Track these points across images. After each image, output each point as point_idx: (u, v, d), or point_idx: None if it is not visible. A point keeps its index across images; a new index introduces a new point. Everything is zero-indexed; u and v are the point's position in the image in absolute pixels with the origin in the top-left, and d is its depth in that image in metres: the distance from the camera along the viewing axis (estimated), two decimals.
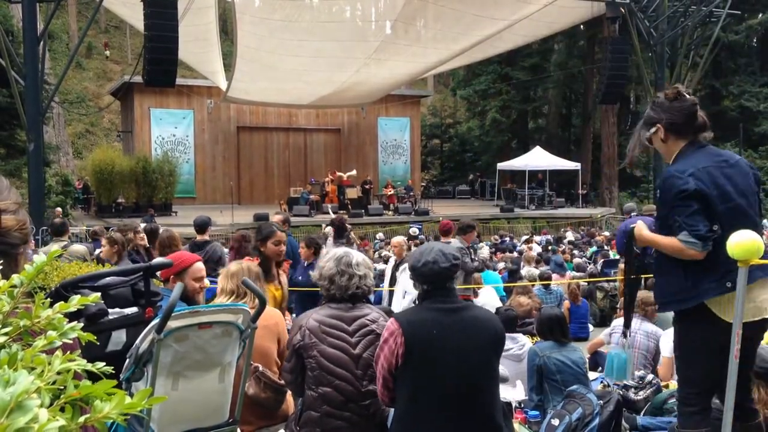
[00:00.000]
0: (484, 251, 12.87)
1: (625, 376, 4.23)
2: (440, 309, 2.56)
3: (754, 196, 2.69)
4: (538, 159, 26.52)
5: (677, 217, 2.56)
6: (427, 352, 2.49)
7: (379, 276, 9.33)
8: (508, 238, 17.24)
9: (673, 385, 4.47)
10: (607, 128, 28.63)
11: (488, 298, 7.42)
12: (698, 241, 2.50)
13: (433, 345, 2.50)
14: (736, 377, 2.42)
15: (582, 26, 26.03)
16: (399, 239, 8.03)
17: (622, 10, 18.88)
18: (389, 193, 24.30)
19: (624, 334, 3.93)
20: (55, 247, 1.35)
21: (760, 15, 29.25)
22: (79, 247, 6.50)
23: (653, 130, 2.75)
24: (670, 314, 5.28)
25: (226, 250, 7.61)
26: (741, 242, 2.29)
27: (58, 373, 0.77)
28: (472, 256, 7.88)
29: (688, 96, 2.72)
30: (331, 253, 3.00)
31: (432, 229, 20.42)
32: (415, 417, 2.52)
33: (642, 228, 2.78)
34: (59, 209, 18.36)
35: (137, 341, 2.27)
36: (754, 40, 32.05)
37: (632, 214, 9.11)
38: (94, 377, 0.85)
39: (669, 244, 2.59)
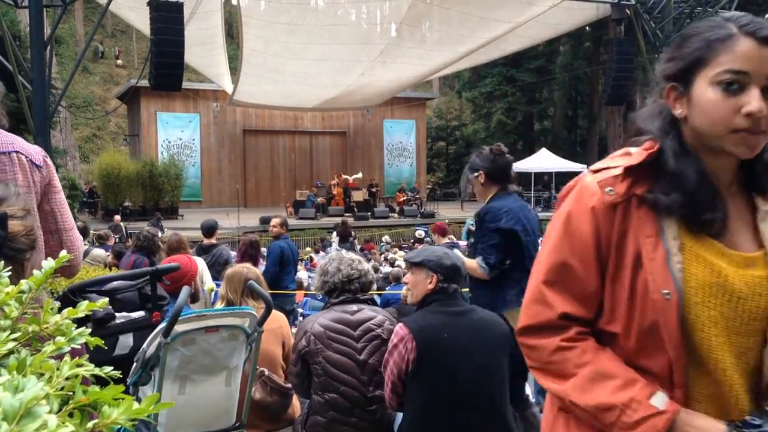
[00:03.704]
0: None
1: None
2: (448, 312, 2.56)
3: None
4: (544, 161, 26.46)
5: (481, 244, 3.34)
6: (439, 356, 2.48)
7: (384, 278, 9.34)
8: None
9: None
10: (614, 130, 28.52)
11: None
12: (486, 267, 3.29)
13: (445, 349, 2.49)
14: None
15: (587, 28, 25.99)
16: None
17: (628, 12, 18.82)
18: (402, 199, 24.19)
19: None
20: (64, 252, 1.36)
21: (766, 16, 29.12)
22: (99, 252, 6.49)
23: (476, 174, 3.48)
24: None
25: (233, 254, 7.63)
26: None
27: (67, 378, 0.77)
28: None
29: (507, 155, 3.50)
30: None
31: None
32: (427, 420, 2.51)
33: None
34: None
35: (144, 345, 2.28)
36: None
37: None
38: (101, 381, 0.86)
39: (468, 264, 3.29)
